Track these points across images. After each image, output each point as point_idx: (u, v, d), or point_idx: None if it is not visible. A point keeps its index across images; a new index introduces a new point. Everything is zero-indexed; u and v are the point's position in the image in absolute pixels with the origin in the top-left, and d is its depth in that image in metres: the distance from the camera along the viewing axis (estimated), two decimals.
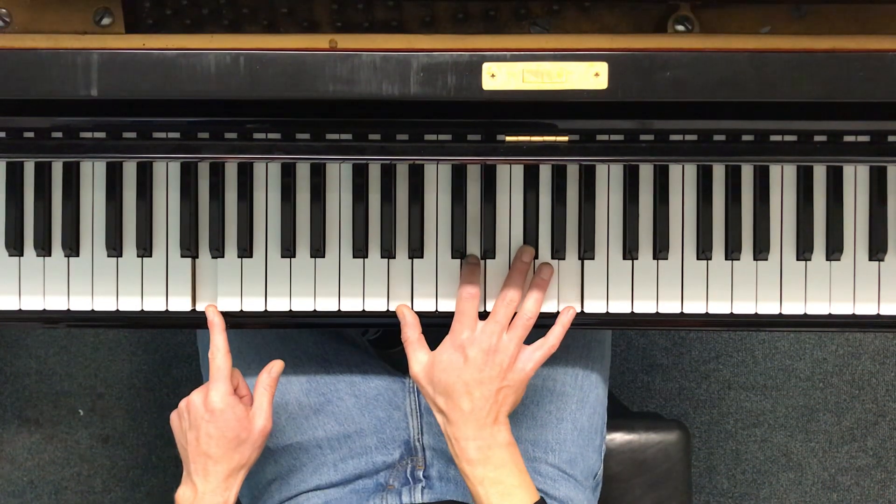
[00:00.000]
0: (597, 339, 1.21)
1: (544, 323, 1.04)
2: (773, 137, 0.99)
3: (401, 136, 0.96)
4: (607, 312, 1.07)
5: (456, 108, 0.94)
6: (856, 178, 1.06)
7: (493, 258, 1.06)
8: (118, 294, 1.06)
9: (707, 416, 2.01)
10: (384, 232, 1.05)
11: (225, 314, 1.04)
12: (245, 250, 1.05)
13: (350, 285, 1.07)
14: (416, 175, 1.06)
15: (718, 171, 1.06)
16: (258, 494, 1.19)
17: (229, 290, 1.06)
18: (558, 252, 1.06)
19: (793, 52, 0.90)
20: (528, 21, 0.96)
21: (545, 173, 1.06)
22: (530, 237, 1.06)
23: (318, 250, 1.06)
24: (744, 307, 1.07)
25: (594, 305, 1.07)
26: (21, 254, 1.06)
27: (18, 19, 0.93)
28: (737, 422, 2.01)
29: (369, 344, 1.26)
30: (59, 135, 0.99)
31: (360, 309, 1.07)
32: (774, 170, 1.06)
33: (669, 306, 1.07)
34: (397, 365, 1.20)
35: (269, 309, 1.07)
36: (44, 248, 1.05)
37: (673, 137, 0.98)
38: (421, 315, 1.05)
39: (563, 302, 1.06)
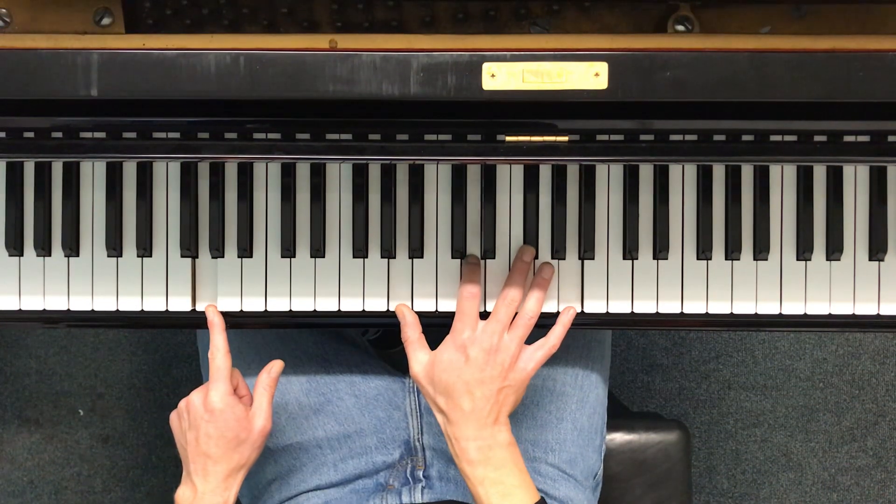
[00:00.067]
0: (597, 339, 1.21)
1: (544, 323, 1.04)
2: (773, 137, 0.99)
3: (401, 136, 0.96)
4: (607, 312, 1.07)
5: (456, 108, 0.94)
6: (856, 178, 1.06)
7: (493, 258, 1.06)
8: (118, 294, 1.06)
9: (707, 416, 2.01)
10: (384, 232, 1.05)
11: (225, 314, 1.04)
12: (245, 250, 1.05)
13: (350, 285, 1.07)
14: (416, 175, 1.06)
15: (718, 171, 1.06)
16: (258, 494, 1.19)
17: (229, 290, 1.06)
18: (558, 252, 1.06)
19: (793, 52, 0.90)
20: (528, 21, 0.96)
21: (545, 173, 1.06)
22: (530, 237, 1.06)
23: (318, 250, 1.06)
24: (744, 307, 1.07)
25: (594, 305, 1.07)
26: (21, 254, 1.06)
27: (18, 19, 0.93)
28: (737, 422, 2.01)
29: (369, 344, 1.26)
30: (59, 135, 0.99)
31: (360, 309, 1.07)
32: (774, 170, 1.06)
33: (669, 306, 1.07)
34: (397, 365, 1.20)
35: (269, 309, 1.07)
36: (44, 248, 1.05)
37: (673, 137, 0.98)
38: (421, 315, 1.05)
39: (564, 302, 1.06)
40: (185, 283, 1.07)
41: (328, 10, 0.96)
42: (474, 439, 0.99)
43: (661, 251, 1.06)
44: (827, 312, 1.07)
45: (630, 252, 1.06)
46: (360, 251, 1.06)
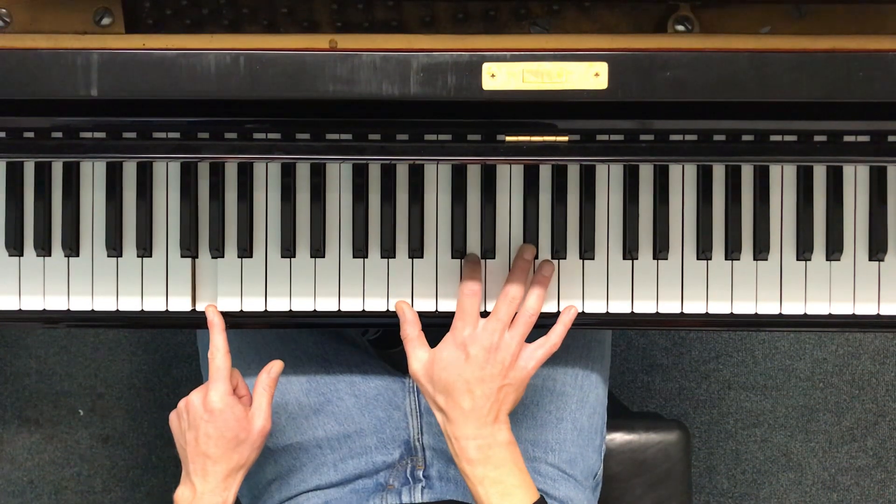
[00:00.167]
0: (597, 339, 1.21)
1: (544, 323, 1.04)
2: (773, 137, 0.99)
3: (401, 136, 0.96)
4: (607, 312, 1.07)
5: (456, 108, 0.94)
6: (856, 178, 1.06)
7: (493, 258, 1.06)
8: (118, 294, 1.06)
9: (707, 416, 2.01)
10: (384, 232, 1.05)
11: (225, 314, 1.04)
12: (245, 250, 1.05)
13: (350, 285, 1.07)
14: (416, 175, 1.06)
15: (718, 171, 1.06)
16: (258, 494, 1.19)
17: (229, 290, 1.06)
18: (558, 252, 1.06)
19: (793, 52, 0.90)
20: (528, 21, 0.96)
21: (545, 173, 1.06)
22: (530, 237, 1.06)
23: (318, 250, 1.06)
24: (744, 307, 1.07)
25: (594, 305, 1.07)
26: (21, 254, 1.06)
27: (18, 19, 0.93)
28: (737, 422, 2.01)
29: (369, 344, 1.26)
30: (59, 135, 0.99)
31: (360, 309, 1.07)
32: (774, 170, 1.06)
33: (669, 306, 1.07)
34: (397, 365, 1.20)
35: (269, 309, 1.07)
36: (44, 248, 1.05)
37: (673, 137, 0.98)
38: (421, 315, 1.05)
39: (564, 302, 1.06)
40: (185, 283, 1.07)
41: (328, 10, 0.96)
42: (474, 438, 0.99)
43: (661, 251, 1.06)
44: (827, 312, 1.07)
45: (630, 252, 1.06)
46: (360, 251, 1.06)
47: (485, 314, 1.04)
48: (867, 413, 2.01)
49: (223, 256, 1.06)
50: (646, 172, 1.06)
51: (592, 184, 1.06)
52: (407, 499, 1.11)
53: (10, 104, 0.94)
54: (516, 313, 1.02)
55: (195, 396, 1.01)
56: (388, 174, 1.05)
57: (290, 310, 1.07)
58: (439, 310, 1.07)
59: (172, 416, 1.04)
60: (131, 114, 0.96)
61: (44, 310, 1.07)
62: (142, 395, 1.98)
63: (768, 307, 1.07)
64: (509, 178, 1.06)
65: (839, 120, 0.95)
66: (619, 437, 1.32)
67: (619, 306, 1.07)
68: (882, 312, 1.07)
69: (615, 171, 1.06)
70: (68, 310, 1.06)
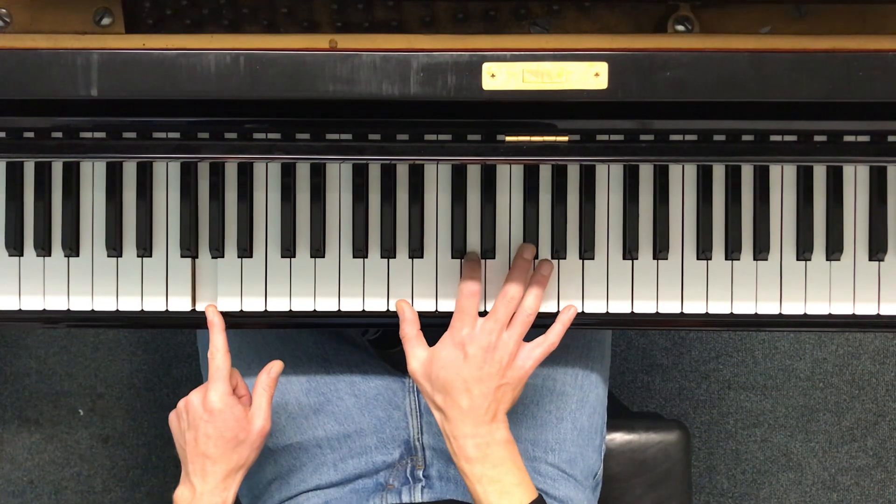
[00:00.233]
0: (597, 339, 1.21)
1: (544, 323, 1.04)
2: (773, 137, 0.99)
3: (401, 136, 0.96)
4: (607, 312, 1.07)
5: (456, 108, 0.94)
6: (856, 178, 1.06)
7: (493, 258, 1.06)
8: (118, 294, 1.06)
9: (707, 416, 2.01)
10: (384, 232, 1.05)
11: (225, 314, 1.04)
12: (245, 250, 1.05)
13: (350, 285, 1.07)
14: (416, 175, 1.06)
15: (718, 171, 1.06)
16: (258, 494, 1.19)
17: (229, 290, 1.06)
18: (558, 252, 1.06)
19: (793, 52, 0.90)
20: (528, 21, 0.96)
21: (545, 173, 1.06)
22: (530, 237, 1.06)
23: (318, 250, 1.06)
24: (744, 307, 1.07)
25: (594, 305, 1.07)
26: (21, 254, 1.06)
27: (18, 19, 0.93)
28: (737, 422, 2.01)
29: (369, 344, 1.26)
30: (59, 135, 0.99)
31: (360, 309, 1.07)
32: (774, 170, 1.06)
33: (669, 306, 1.07)
34: (397, 365, 1.20)
35: (268, 309, 1.07)
36: (44, 248, 1.05)
37: (673, 137, 0.98)
38: (421, 315, 1.05)
39: (564, 302, 1.06)
40: (185, 283, 1.07)
41: (328, 10, 0.96)
42: (472, 437, 0.99)
43: (661, 251, 1.06)
44: (827, 312, 1.07)
45: (630, 252, 1.06)
46: (360, 251, 1.06)
47: (484, 313, 1.04)
48: (867, 413, 2.01)
49: (223, 256, 1.06)
50: (646, 172, 1.06)
51: (592, 184, 1.06)
52: (407, 498, 1.11)
53: (10, 104, 0.94)
54: (515, 313, 1.02)
55: (195, 396, 1.01)
56: (388, 174, 1.05)
57: (290, 310, 1.07)
58: (439, 310, 1.07)
59: (172, 416, 1.04)
60: (131, 114, 0.96)
61: (44, 310, 1.07)
62: (142, 395, 1.98)
63: (768, 307, 1.07)
64: (509, 178, 1.06)
65: (839, 120, 0.95)
66: (619, 437, 1.32)
67: (619, 306, 1.07)
68: (882, 312, 1.07)
69: (615, 171, 1.06)
70: (68, 310, 1.06)
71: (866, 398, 2.01)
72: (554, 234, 1.06)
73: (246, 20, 0.96)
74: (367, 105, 0.93)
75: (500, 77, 0.89)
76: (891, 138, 0.97)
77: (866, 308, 1.07)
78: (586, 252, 1.06)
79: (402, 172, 1.06)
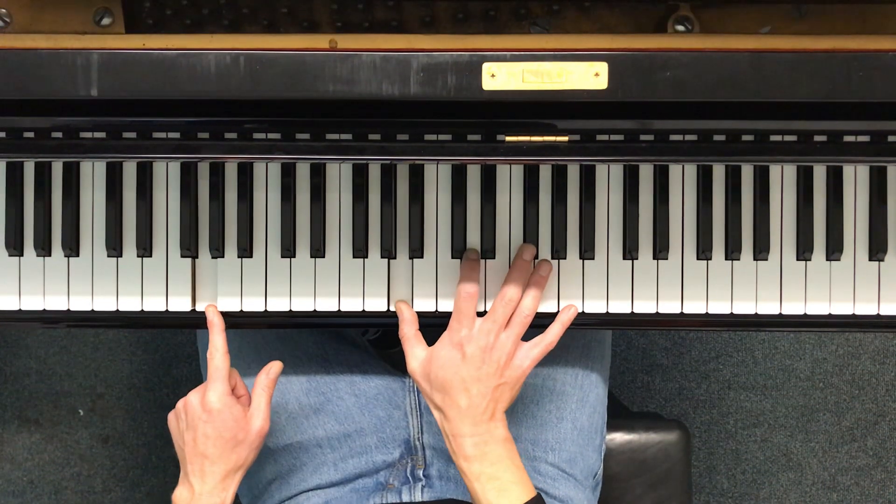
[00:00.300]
0: (597, 338, 1.21)
1: (543, 323, 1.04)
2: (773, 137, 0.99)
3: (401, 136, 0.96)
4: (607, 312, 1.07)
5: (456, 108, 0.94)
6: (856, 178, 1.06)
7: (493, 258, 1.06)
8: (118, 294, 1.06)
9: (707, 416, 2.01)
10: (384, 232, 1.05)
11: (225, 314, 1.04)
12: (245, 250, 1.05)
13: (350, 285, 1.07)
14: (416, 175, 1.06)
15: (718, 171, 1.06)
16: (258, 494, 1.19)
17: (229, 290, 1.06)
18: (558, 252, 1.06)
19: (793, 52, 0.90)
20: (528, 21, 0.96)
21: (545, 173, 1.06)
22: (530, 237, 1.06)
23: (318, 250, 1.06)
24: (744, 307, 1.07)
25: (594, 305, 1.07)
26: (21, 254, 1.06)
27: (18, 19, 0.93)
28: (737, 422, 2.01)
29: (369, 344, 1.26)
30: (59, 135, 0.99)
31: (360, 309, 1.07)
32: (774, 170, 1.06)
33: (669, 306, 1.07)
34: (397, 365, 1.20)
35: (268, 309, 1.07)
36: (44, 248, 1.05)
37: (673, 137, 0.98)
38: (421, 315, 1.05)
39: (564, 302, 1.06)
40: (185, 283, 1.07)
41: (328, 10, 0.96)
42: (470, 435, 0.99)
43: (661, 251, 1.06)
44: (827, 312, 1.07)
45: (630, 252, 1.06)
46: (360, 251, 1.06)
47: (484, 313, 1.04)
48: (867, 413, 2.01)
49: (223, 256, 1.06)
50: (646, 172, 1.06)
51: (592, 184, 1.06)
52: (407, 498, 1.11)
53: (10, 104, 0.94)
54: (513, 313, 1.02)
55: (193, 397, 1.01)
56: (388, 174, 1.05)
57: (290, 310, 1.07)
58: (439, 310, 1.07)
59: (171, 416, 1.04)
60: (131, 114, 0.96)
61: (44, 310, 1.07)
62: (142, 395, 1.98)
63: (768, 307, 1.07)
64: (509, 178, 1.06)
65: (839, 120, 0.95)
66: (619, 437, 1.32)
67: (619, 306, 1.07)
68: (882, 312, 1.07)
69: (615, 171, 1.06)
70: (68, 310, 1.06)
71: (866, 398, 2.01)
72: (554, 235, 1.06)
73: (246, 20, 0.96)
74: (367, 105, 0.93)
75: (500, 77, 0.89)
76: (891, 138, 0.97)
77: (866, 308, 1.07)
78: (586, 252, 1.06)
79: (402, 172, 1.06)
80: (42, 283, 1.06)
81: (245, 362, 1.17)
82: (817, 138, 0.97)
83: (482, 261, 1.06)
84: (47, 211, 1.05)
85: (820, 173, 1.06)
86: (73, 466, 1.98)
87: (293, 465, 1.16)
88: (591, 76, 0.89)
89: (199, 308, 1.07)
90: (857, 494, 2.02)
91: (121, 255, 1.06)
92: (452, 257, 1.07)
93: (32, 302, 1.06)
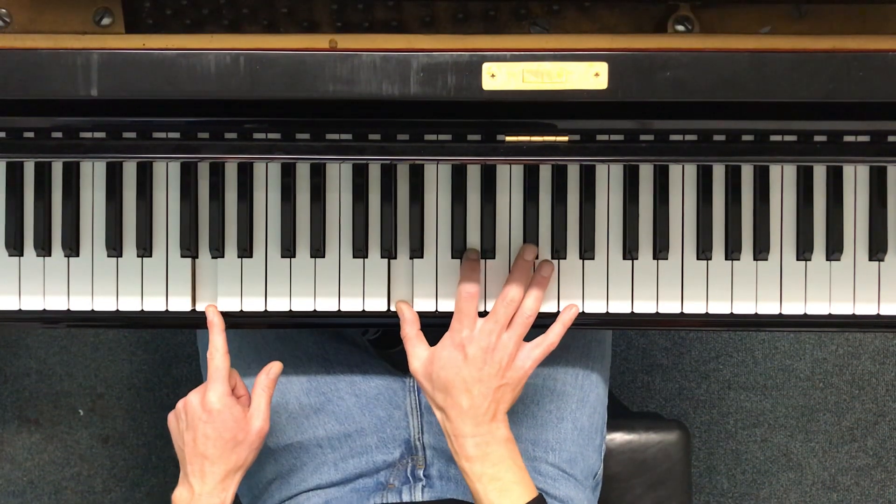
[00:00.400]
0: (597, 338, 1.21)
1: (544, 323, 1.04)
2: (773, 137, 0.99)
3: (401, 136, 0.96)
4: (607, 312, 1.07)
5: (456, 108, 0.94)
6: (856, 178, 1.06)
7: (493, 258, 1.06)
8: (118, 294, 1.06)
9: (707, 416, 2.01)
10: (384, 232, 1.05)
11: (225, 314, 1.04)
12: (245, 250, 1.05)
13: (350, 285, 1.07)
14: (416, 175, 1.06)
15: (718, 171, 1.06)
16: (258, 494, 1.19)
17: (229, 290, 1.06)
18: (558, 252, 1.06)
19: (793, 52, 0.90)
20: (528, 21, 0.96)
21: (545, 173, 1.06)
22: (530, 237, 1.06)
23: (318, 250, 1.06)
24: (744, 307, 1.07)
25: (594, 305, 1.07)
26: (21, 254, 1.06)
27: (18, 19, 0.93)
28: (737, 422, 2.01)
29: (369, 344, 1.26)
30: (59, 135, 0.99)
31: (360, 309, 1.07)
32: (774, 170, 1.06)
33: (669, 306, 1.07)
34: (397, 365, 1.20)
35: (268, 309, 1.07)
36: (44, 248, 1.05)
37: (673, 137, 0.98)
38: (421, 315, 1.05)
39: (564, 302, 1.06)
40: (185, 283, 1.07)
41: (328, 10, 0.96)
42: (472, 436, 0.99)
43: (661, 251, 1.06)
44: (827, 312, 1.07)
45: (630, 252, 1.06)
46: (360, 251, 1.06)
47: (485, 313, 1.04)
48: (867, 413, 2.01)
49: (223, 256, 1.06)
50: (646, 172, 1.06)
51: (592, 184, 1.06)
52: (407, 497, 1.11)
53: (10, 104, 0.94)
54: (515, 314, 1.02)
55: (193, 397, 1.01)
56: (388, 174, 1.05)
57: (290, 310, 1.07)
58: (439, 310, 1.07)
59: (171, 416, 1.04)
60: (131, 114, 0.96)
61: (44, 310, 1.07)
62: (142, 395, 1.98)
63: (768, 307, 1.07)
64: (509, 178, 1.06)
65: (839, 120, 0.95)
66: (619, 437, 1.32)
67: (619, 306, 1.07)
68: (882, 312, 1.07)
69: (615, 171, 1.06)
70: (68, 310, 1.06)
71: (866, 398, 2.01)
72: (554, 235, 1.06)
73: (246, 20, 0.96)
74: (367, 105, 0.93)
75: (500, 77, 0.89)
76: (891, 138, 0.97)
77: (866, 308, 1.07)
78: (586, 252, 1.06)
79: (402, 172, 1.06)
80: (42, 283, 1.06)
81: (245, 362, 1.17)
82: (817, 138, 0.97)
83: (482, 261, 1.06)
84: (47, 211, 1.05)
85: (820, 173, 1.06)
86: (73, 466, 1.98)
87: (293, 465, 1.16)
88: (591, 76, 0.89)
89: (199, 308, 1.07)
90: (857, 494, 2.02)
91: (121, 255, 1.06)
92: (452, 257, 1.07)
93: (32, 302, 1.06)
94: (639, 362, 2.00)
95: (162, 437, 1.97)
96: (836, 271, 1.07)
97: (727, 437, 2.01)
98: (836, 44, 0.92)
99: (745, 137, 0.98)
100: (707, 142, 0.99)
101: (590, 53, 0.89)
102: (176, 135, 0.99)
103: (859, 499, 2.02)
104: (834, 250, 1.06)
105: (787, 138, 0.99)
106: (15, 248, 1.05)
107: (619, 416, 1.36)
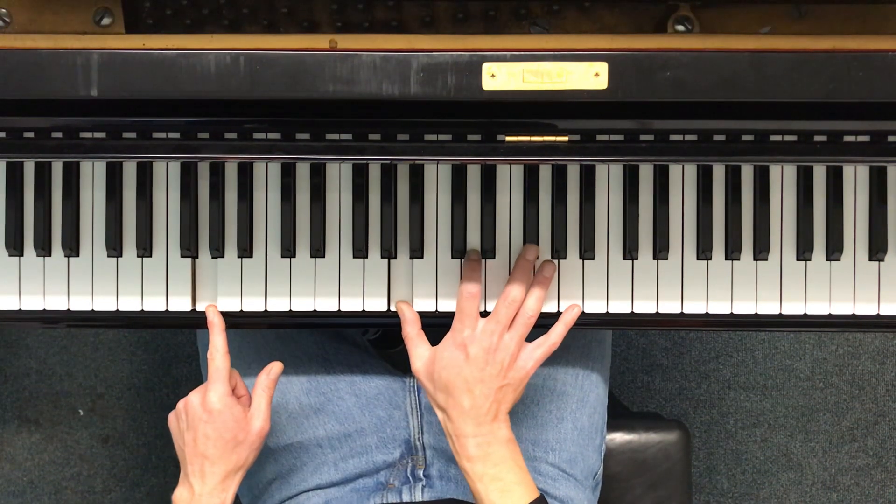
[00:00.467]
0: (597, 339, 1.21)
1: (545, 323, 1.04)
2: (773, 137, 0.99)
3: (401, 136, 0.96)
4: (607, 312, 1.07)
5: (456, 108, 0.94)
6: (856, 178, 1.06)
7: (493, 258, 1.06)
8: (118, 294, 1.06)
9: (707, 416, 2.01)
10: (384, 232, 1.05)
11: (225, 314, 1.04)
12: (245, 250, 1.05)
13: (350, 285, 1.07)
14: (416, 175, 1.06)
15: (718, 171, 1.06)
16: (258, 494, 1.19)
17: (229, 290, 1.06)
18: (558, 252, 1.06)
19: (793, 52, 0.90)
20: (528, 21, 0.96)
21: (545, 173, 1.06)
22: (530, 237, 1.06)
23: (318, 250, 1.06)
24: (744, 307, 1.07)
25: (594, 305, 1.07)
26: (21, 254, 1.06)
27: (18, 19, 0.93)
28: (737, 422, 2.01)
29: (369, 344, 1.26)
30: (59, 135, 0.99)
31: (360, 309, 1.07)
32: (774, 170, 1.06)
33: (669, 306, 1.07)
34: (398, 365, 1.20)
35: (268, 309, 1.07)
36: (44, 248, 1.05)
37: (673, 137, 0.98)
38: (421, 315, 1.05)
39: (564, 302, 1.06)
40: (185, 283, 1.07)
41: (328, 10, 0.96)
42: (473, 436, 0.99)
43: (661, 251, 1.06)
44: (827, 312, 1.07)
45: (630, 252, 1.06)
46: (360, 251, 1.06)
47: (486, 313, 1.04)
48: (867, 413, 2.01)
49: (223, 256, 1.06)
50: (646, 172, 1.06)
51: (592, 184, 1.06)
52: (407, 497, 1.11)
53: (10, 104, 0.94)
54: (516, 314, 1.02)
55: (194, 397, 1.01)
56: (388, 174, 1.05)
57: (290, 310, 1.07)
58: (439, 310, 1.07)
59: (171, 416, 1.04)
60: (131, 114, 0.96)
61: (44, 310, 1.07)
62: (142, 395, 1.98)
63: (768, 307, 1.07)
64: (509, 178, 1.06)
65: (839, 120, 0.95)
66: (619, 437, 1.32)
67: (619, 306, 1.07)
68: (882, 312, 1.07)
69: (615, 171, 1.06)
70: (68, 310, 1.06)
71: (866, 398, 2.01)
72: (554, 235, 1.06)
73: (246, 20, 0.96)
74: (367, 105, 0.93)
75: (500, 77, 0.89)
76: (891, 138, 0.97)
77: (866, 308, 1.07)
78: (586, 252, 1.06)
79: (402, 172, 1.06)
80: (42, 283, 1.06)
81: (245, 362, 1.17)
82: (817, 138, 0.97)
83: (482, 261, 1.06)
84: (47, 211, 1.05)
85: (820, 173, 1.06)
86: (73, 466, 1.98)
87: (293, 465, 1.16)
88: (591, 76, 0.89)
89: (199, 308, 1.07)
90: (857, 494, 2.02)
91: (121, 255, 1.06)
92: (452, 257, 1.07)
93: (32, 302, 1.06)
94: (639, 362, 2.00)
95: (162, 437, 1.97)
96: (836, 271, 1.07)
97: (727, 437, 2.01)
98: (836, 44, 0.92)
99: (745, 137, 0.98)
100: (707, 142, 0.99)
101: (590, 53, 0.89)
102: (176, 135, 0.99)
103: (859, 499, 2.02)
104: (834, 250, 1.06)
105: (787, 138, 0.99)
106: (15, 248, 1.05)
107: (619, 416, 1.36)
